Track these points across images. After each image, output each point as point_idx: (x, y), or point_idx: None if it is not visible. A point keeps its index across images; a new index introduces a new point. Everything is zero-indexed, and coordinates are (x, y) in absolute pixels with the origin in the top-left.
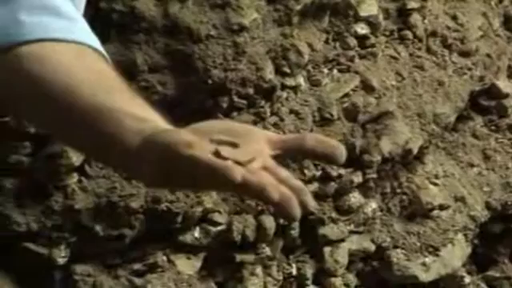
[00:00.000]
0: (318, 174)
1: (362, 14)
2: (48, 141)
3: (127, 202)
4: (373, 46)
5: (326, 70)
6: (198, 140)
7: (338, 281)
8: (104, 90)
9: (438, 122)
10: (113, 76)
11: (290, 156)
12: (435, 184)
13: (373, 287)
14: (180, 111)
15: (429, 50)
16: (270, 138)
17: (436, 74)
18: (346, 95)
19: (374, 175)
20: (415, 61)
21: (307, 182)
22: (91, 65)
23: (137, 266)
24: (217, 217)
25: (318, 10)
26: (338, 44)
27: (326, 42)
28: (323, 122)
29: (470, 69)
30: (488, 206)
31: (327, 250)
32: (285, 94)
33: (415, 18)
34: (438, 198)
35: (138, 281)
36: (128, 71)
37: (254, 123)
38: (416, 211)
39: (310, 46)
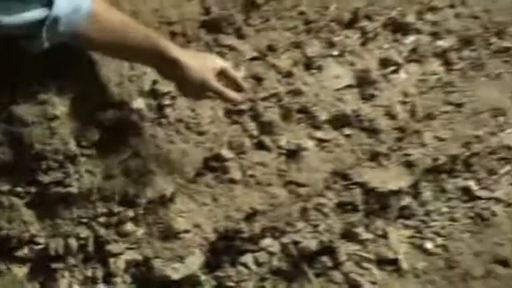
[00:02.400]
0: (104, 211)
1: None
2: None
3: None
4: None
5: None
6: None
7: (119, 279)
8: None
9: (184, 176)
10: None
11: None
12: (181, 216)
13: (144, 283)
14: None
15: (177, 132)
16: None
17: (181, 145)
18: None
19: (142, 211)
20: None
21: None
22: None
23: None
24: (39, 239)
25: None
26: None
27: None
28: None
29: (203, 142)
30: (215, 230)
31: (112, 259)
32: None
33: (168, 110)
34: (183, 225)
35: None
36: None
37: None
38: (169, 234)
39: None
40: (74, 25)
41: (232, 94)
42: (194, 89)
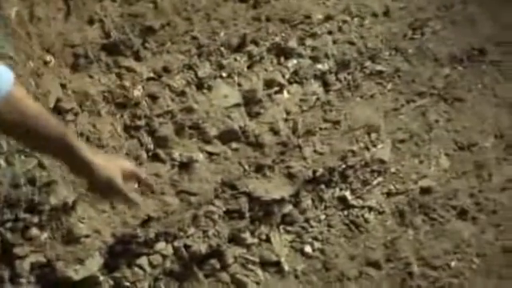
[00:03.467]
0: (11, 217)
1: None
2: None
3: None
4: None
5: None
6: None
7: (24, 280)
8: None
9: (84, 186)
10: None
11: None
12: (82, 222)
13: (48, 283)
14: None
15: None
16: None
17: None
18: None
19: (46, 217)
20: None
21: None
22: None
23: None
24: None
25: None
26: None
27: None
28: None
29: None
30: (113, 235)
31: (18, 261)
32: None
33: (71, 125)
34: (84, 230)
35: None
36: None
37: None
38: (71, 238)
39: None
40: None
41: (134, 195)
42: (102, 188)
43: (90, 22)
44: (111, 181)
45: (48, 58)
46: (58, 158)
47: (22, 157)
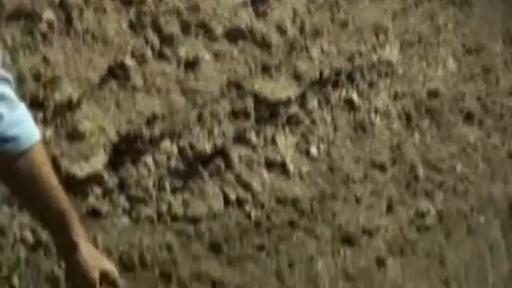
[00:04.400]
0: None
1: None
2: None
3: None
4: None
5: None
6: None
7: None
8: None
9: (89, 83)
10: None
11: None
12: (87, 119)
13: None
14: None
15: (84, 41)
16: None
17: (87, 54)
18: None
19: (50, 114)
20: None
21: None
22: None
23: None
24: None
25: None
26: None
27: None
28: None
29: (107, 52)
30: (118, 133)
31: None
32: None
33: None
34: (88, 127)
35: None
36: None
37: None
38: (76, 135)
39: None
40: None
41: None
42: (77, 276)
43: None
44: (88, 273)
45: None
46: (49, 230)
47: (27, 52)
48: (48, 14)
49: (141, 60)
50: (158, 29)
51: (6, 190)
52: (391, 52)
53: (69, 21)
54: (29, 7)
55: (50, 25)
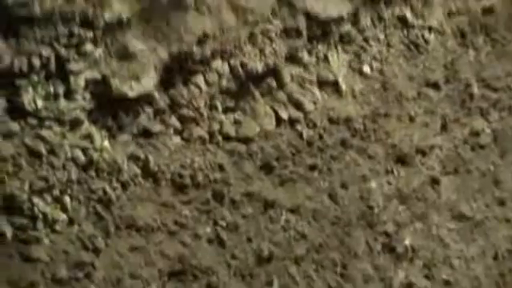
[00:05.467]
0: (65, 31)
1: None
2: None
3: None
4: None
5: None
6: None
7: (79, 96)
8: None
9: (140, 2)
10: None
11: None
12: (137, 39)
13: (103, 100)
14: None
15: None
16: None
17: None
18: None
19: (100, 33)
20: None
21: None
22: None
23: None
24: (4, 57)
25: None
26: None
27: None
28: None
29: None
30: (169, 52)
31: (72, 77)
32: None
33: None
34: (139, 46)
35: None
36: None
37: None
38: (126, 54)
39: None
40: None
41: None
42: None
43: None
44: None
45: None
46: None
47: None
48: None
49: None
50: None
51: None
52: None
53: None
54: None
55: None
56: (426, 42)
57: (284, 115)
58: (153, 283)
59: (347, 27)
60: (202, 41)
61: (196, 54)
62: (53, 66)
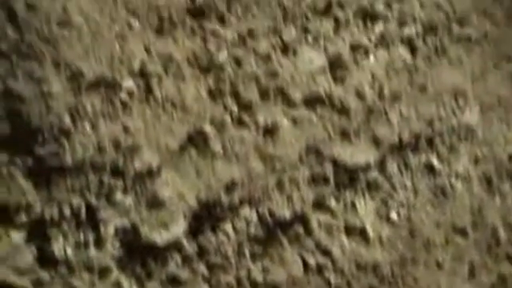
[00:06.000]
0: (96, 180)
1: None
2: None
3: None
4: None
5: None
6: None
7: (108, 244)
8: None
9: (169, 150)
10: None
11: None
12: (167, 186)
13: (132, 248)
14: None
15: (164, 109)
16: None
17: (167, 121)
18: None
19: (130, 181)
20: None
21: None
22: None
23: None
24: (35, 206)
25: None
26: None
27: None
28: None
29: (187, 119)
30: (198, 199)
31: (103, 226)
32: None
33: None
34: (168, 194)
35: None
36: None
37: None
38: (156, 202)
39: None
40: None
41: None
42: None
43: None
44: None
45: (133, 21)
46: None
47: (107, 120)
48: (128, 83)
49: (220, 127)
50: (236, 95)
51: None
52: (471, 115)
53: (148, 89)
54: (109, 76)
55: (130, 93)
56: (453, 188)
57: (312, 262)
58: None
59: (374, 174)
60: (230, 188)
61: (224, 201)
62: (83, 214)
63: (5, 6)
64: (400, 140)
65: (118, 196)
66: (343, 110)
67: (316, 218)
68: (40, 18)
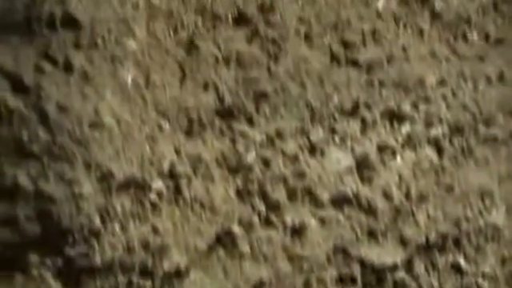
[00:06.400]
0: (125, 281)
1: None
2: None
3: None
4: None
5: None
6: None
7: None
8: None
9: (197, 250)
10: None
11: None
12: (195, 287)
13: None
14: None
15: (192, 209)
16: None
17: (195, 222)
18: None
19: (159, 282)
20: None
21: None
22: None
23: None
24: None
25: None
26: None
27: None
28: None
29: (215, 219)
30: None
31: None
32: None
33: (185, 190)
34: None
35: None
36: None
37: None
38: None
39: None
40: None
41: None
42: None
43: (205, 86)
44: None
45: (163, 122)
46: None
47: (137, 221)
48: (157, 184)
49: (248, 227)
50: (264, 196)
51: None
52: (498, 216)
53: (178, 189)
54: (139, 177)
55: (160, 194)
56: None
57: None
58: None
59: (401, 274)
60: None
61: None
62: None
63: (37, 107)
64: (427, 240)
65: None
66: (370, 211)
67: None
68: (71, 119)
